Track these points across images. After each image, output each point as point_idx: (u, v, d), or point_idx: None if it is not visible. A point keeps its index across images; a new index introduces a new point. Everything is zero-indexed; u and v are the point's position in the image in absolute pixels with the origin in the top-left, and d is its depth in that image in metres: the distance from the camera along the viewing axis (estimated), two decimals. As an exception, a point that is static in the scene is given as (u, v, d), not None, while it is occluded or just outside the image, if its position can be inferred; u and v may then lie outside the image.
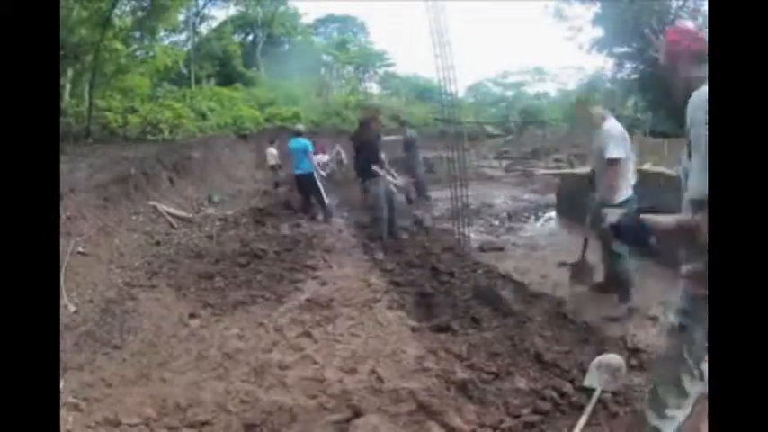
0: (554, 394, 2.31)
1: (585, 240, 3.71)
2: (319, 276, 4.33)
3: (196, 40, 21.26)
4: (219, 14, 24.44)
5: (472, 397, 2.32)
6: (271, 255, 4.96)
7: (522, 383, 2.42)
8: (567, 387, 2.38)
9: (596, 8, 19.22)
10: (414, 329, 3.16)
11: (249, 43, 25.85)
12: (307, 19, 29.09)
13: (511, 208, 7.41)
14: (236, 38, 24.93)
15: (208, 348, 3.00)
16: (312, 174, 7.04)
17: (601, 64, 23.61)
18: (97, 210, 5.53)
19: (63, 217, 4.62)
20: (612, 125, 3.26)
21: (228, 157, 13.37)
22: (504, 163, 13.33)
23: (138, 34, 11.11)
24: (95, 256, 4.66)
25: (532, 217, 6.80)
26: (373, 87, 29.18)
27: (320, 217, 7.01)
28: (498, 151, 15.48)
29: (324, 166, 10.94)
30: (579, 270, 3.75)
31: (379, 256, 4.87)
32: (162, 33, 13.29)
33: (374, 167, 5.07)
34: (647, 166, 5.06)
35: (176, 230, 6.46)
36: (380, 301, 3.67)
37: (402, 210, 6.56)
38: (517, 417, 2.17)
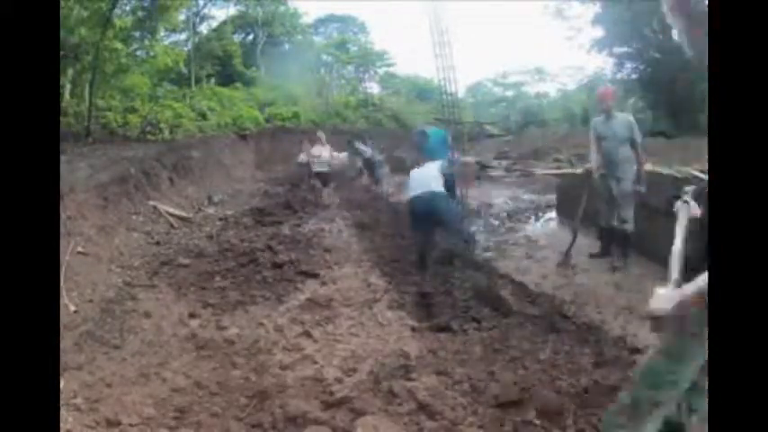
0: (554, 394, 2.31)
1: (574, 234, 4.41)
2: (319, 276, 4.33)
3: (196, 39, 21.23)
4: (219, 14, 24.43)
5: (472, 397, 2.32)
6: (271, 255, 4.96)
7: (522, 384, 2.42)
8: (567, 386, 2.39)
9: (596, 8, 19.23)
10: (414, 329, 3.16)
11: (249, 43, 25.83)
12: (307, 19, 29.08)
13: (511, 208, 7.41)
14: (236, 38, 24.92)
15: (208, 348, 3.00)
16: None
17: (601, 64, 23.58)
18: (97, 210, 5.52)
19: (63, 217, 4.62)
20: None
21: (228, 157, 13.37)
22: (504, 163, 13.32)
23: (138, 34, 11.07)
24: (95, 256, 4.66)
25: (532, 217, 6.80)
26: (373, 87, 29.14)
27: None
28: (498, 151, 15.45)
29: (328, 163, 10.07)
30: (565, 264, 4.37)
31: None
32: (162, 33, 13.24)
33: None
34: (647, 167, 5.05)
35: (176, 230, 6.46)
36: (380, 301, 3.67)
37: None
38: (518, 416, 2.17)
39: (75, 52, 9.46)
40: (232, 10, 24.63)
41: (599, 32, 19.42)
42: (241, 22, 25.45)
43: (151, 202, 6.90)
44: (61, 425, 2.03)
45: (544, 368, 2.57)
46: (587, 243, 4.73)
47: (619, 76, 21.34)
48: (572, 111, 23.56)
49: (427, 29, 4.81)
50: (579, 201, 4.54)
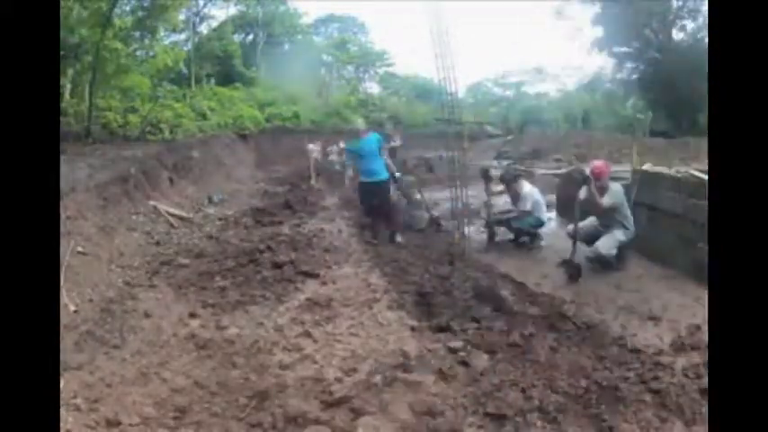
0: (554, 394, 2.31)
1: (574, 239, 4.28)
2: (319, 276, 4.33)
3: (196, 39, 21.24)
4: (219, 14, 24.42)
5: (472, 396, 2.32)
6: (271, 255, 4.96)
7: (522, 383, 2.42)
8: (567, 386, 2.38)
9: (596, 8, 19.26)
10: (414, 329, 3.16)
11: (249, 43, 25.85)
12: (307, 19, 29.12)
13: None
14: (236, 38, 24.92)
15: (208, 348, 3.00)
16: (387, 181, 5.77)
17: (601, 64, 23.67)
18: (97, 210, 5.52)
19: (63, 217, 4.62)
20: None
21: (228, 157, 13.38)
22: (504, 163, 13.34)
23: (138, 34, 11.06)
24: (95, 256, 4.66)
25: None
26: (373, 87, 29.20)
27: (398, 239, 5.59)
28: (498, 151, 15.47)
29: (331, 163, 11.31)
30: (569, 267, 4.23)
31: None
32: (162, 33, 13.22)
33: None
34: (646, 166, 5.06)
35: (176, 230, 6.45)
36: (380, 301, 3.67)
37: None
38: (518, 416, 2.17)
39: (75, 52, 9.45)
40: (232, 10, 24.63)
41: (599, 32, 19.46)
42: (241, 22, 25.45)
43: (151, 202, 6.90)
44: (61, 425, 2.03)
45: (544, 368, 2.57)
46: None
47: (619, 76, 21.38)
48: (572, 111, 23.58)
49: (427, 29, 4.81)
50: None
